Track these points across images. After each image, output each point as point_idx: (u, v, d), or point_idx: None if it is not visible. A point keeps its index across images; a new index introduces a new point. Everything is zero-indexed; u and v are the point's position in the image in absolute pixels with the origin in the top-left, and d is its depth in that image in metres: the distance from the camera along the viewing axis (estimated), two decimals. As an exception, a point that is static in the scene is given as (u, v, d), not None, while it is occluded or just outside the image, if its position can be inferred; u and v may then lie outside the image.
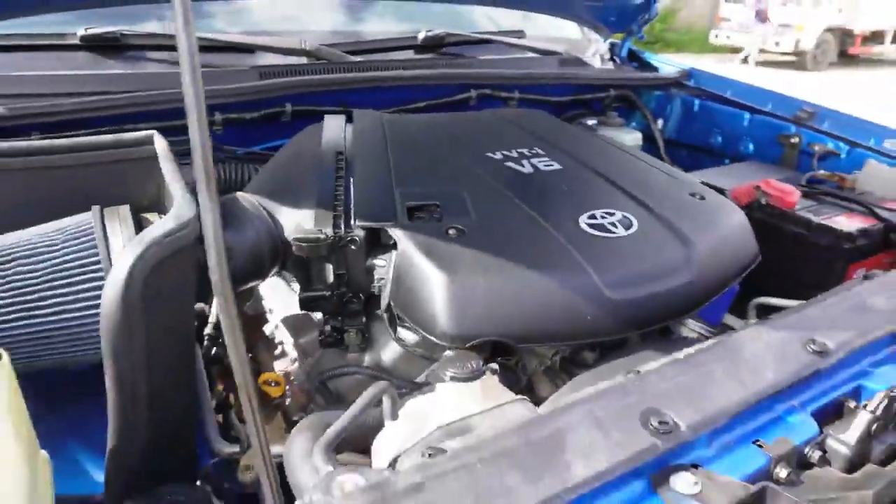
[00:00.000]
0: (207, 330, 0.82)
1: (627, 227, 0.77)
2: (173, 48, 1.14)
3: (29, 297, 0.61)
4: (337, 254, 0.72)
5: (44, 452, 0.46)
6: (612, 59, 1.69)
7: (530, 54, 1.51)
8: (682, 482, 0.43)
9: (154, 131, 0.73)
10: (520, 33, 1.58)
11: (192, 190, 0.59)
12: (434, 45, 1.41)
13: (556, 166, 0.90)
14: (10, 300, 0.61)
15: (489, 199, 0.80)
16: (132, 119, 0.97)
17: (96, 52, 1.09)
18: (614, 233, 0.76)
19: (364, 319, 0.77)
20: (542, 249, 0.71)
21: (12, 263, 0.62)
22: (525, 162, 0.90)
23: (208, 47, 1.11)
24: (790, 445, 0.48)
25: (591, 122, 1.44)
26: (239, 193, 0.78)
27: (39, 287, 0.62)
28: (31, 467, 0.42)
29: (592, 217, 0.78)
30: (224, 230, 0.73)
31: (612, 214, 0.79)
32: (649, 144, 1.51)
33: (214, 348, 0.80)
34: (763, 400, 0.50)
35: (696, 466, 0.46)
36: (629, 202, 0.83)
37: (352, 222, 0.73)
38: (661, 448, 0.44)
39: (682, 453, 0.46)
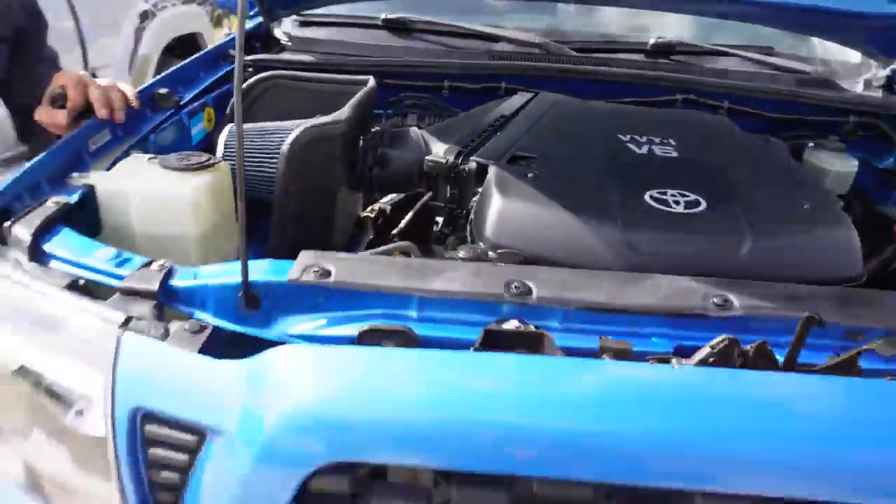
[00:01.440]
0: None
1: (690, 208, 0.86)
2: (440, 32, 1.54)
3: (268, 154, 1.03)
4: (453, 178, 0.99)
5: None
6: (887, 86, 1.55)
7: (769, 70, 1.51)
8: (509, 325, 0.59)
9: (371, 77, 1.11)
10: (768, 49, 1.58)
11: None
12: (663, 51, 1.53)
13: (673, 154, 1.01)
14: (261, 155, 1.04)
15: (582, 163, 0.97)
16: (402, 77, 1.37)
17: (390, 31, 1.54)
18: (672, 209, 0.86)
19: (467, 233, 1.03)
20: (591, 203, 0.86)
21: (272, 135, 1.05)
22: (646, 146, 1.03)
23: (458, 33, 1.47)
24: (628, 348, 0.58)
25: (810, 144, 1.39)
26: (412, 128, 1.11)
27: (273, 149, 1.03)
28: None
29: (662, 193, 0.89)
30: (392, 149, 1.08)
31: (684, 196, 0.89)
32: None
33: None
34: (632, 313, 0.61)
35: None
36: (715, 191, 0.90)
37: (470, 158, 0.99)
38: (505, 297, 0.60)
39: (529, 315, 0.61)
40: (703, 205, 0.87)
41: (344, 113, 0.92)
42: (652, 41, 1.53)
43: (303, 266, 0.67)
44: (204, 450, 0.56)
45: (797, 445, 0.51)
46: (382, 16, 1.53)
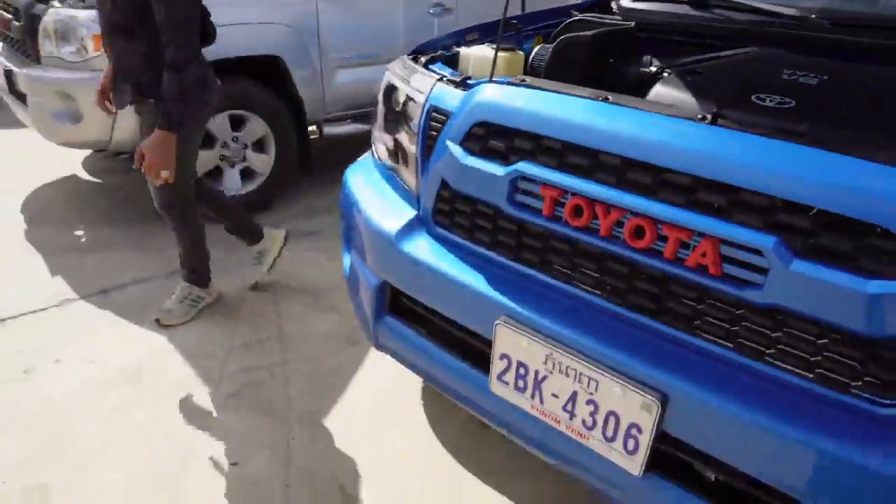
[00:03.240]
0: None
1: (778, 103, 1.26)
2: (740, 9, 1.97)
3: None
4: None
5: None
6: None
7: None
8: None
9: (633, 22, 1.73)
10: None
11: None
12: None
13: (809, 82, 1.36)
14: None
15: (729, 74, 1.42)
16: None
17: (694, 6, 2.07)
18: (759, 103, 1.27)
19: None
20: (713, 86, 1.33)
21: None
22: (797, 77, 1.39)
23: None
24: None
25: None
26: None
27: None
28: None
29: (771, 99, 1.30)
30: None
31: (786, 102, 1.28)
32: None
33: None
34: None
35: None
36: (816, 108, 1.25)
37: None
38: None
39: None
40: (792, 105, 1.26)
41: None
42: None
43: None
44: (446, 127, 1.33)
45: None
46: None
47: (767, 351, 0.91)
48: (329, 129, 3.78)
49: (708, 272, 0.93)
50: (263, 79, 3.40)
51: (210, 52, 3.10)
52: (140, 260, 3.05)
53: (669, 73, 1.47)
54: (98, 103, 2.36)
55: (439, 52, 1.66)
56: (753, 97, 1.30)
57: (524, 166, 1.14)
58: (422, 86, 1.42)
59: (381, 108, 1.62)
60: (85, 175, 4.11)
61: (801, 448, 0.86)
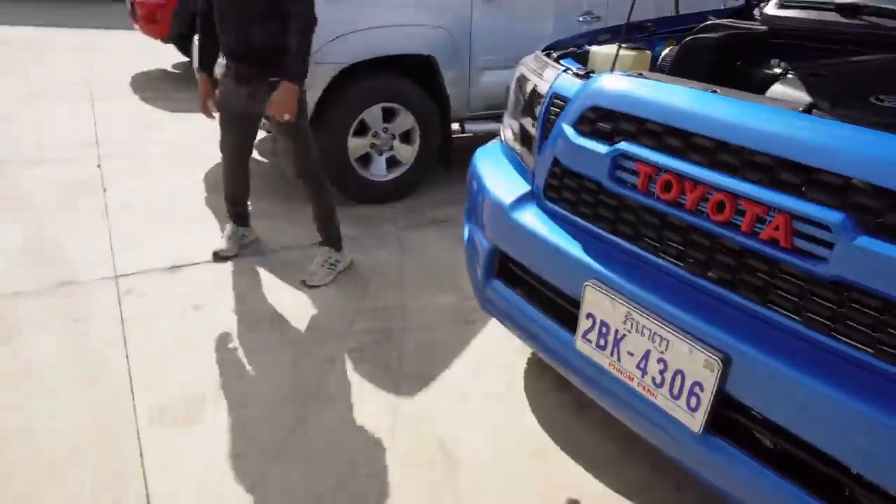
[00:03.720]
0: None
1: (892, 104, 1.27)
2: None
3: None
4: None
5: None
6: None
7: None
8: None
9: (765, 26, 1.76)
10: None
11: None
12: None
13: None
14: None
15: (854, 76, 1.43)
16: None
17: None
18: (878, 103, 1.29)
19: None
20: (814, 86, 1.36)
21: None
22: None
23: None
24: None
25: None
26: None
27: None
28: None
29: (891, 101, 1.30)
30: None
31: (901, 102, 1.28)
32: None
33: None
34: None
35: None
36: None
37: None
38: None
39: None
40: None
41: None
42: None
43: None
44: (563, 112, 1.48)
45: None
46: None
47: (830, 323, 0.97)
48: (471, 126, 4.04)
49: (780, 245, 1.01)
50: (416, 75, 3.72)
51: (373, 49, 3.50)
52: (294, 229, 3.47)
53: (792, 74, 1.51)
54: (202, 110, 2.87)
55: (570, 49, 1.81)
56: (873, 98, 1.32)
57: (625, 146, 1.27)
58: (548, 77, 1.58)
59: (511, 97, 1.81)
60: (255, 155, 4.70)
61: (853, 416, 0.91)
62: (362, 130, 3.67)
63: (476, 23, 3.78)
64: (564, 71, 1.56)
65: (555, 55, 1.75)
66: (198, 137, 4.96)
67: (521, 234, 1.50)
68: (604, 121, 1.35)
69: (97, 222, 3.43)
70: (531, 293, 1.54)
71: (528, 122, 1.66)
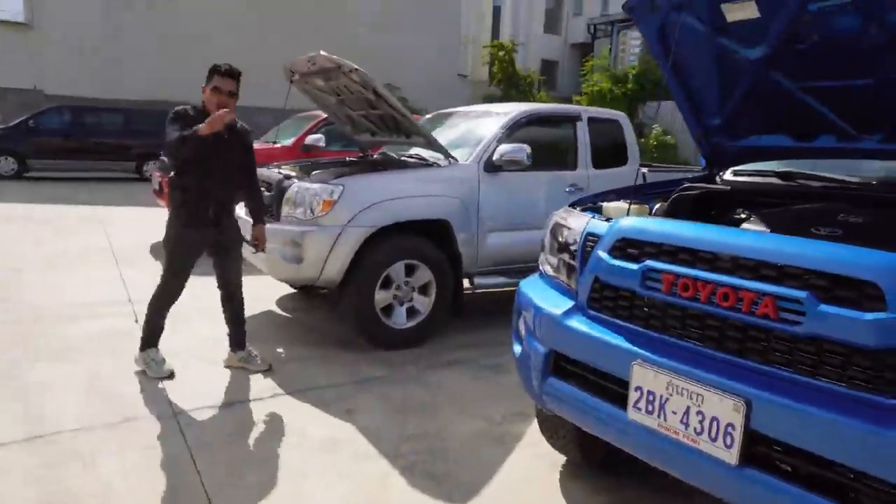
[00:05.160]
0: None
1: (829, 232, 1.84)
2: (817, 179, 2.62)
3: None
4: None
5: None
6: None
7: None
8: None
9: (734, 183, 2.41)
10: None
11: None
12: None
13: (858, 221, 1.93)
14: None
15: (799, 217, 2.02)
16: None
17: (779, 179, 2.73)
18: (815, 232, 1.86)
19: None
20: (772, 223, 1.95)
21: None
22: (850, 217, 1.97)
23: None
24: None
25: None
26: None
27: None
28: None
29: (825, 230, 1.88)
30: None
31: (835, 232, 1.86)
32: None
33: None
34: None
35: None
36: (857, 236, 1.83)
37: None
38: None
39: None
40: (838, 234, 1.84)
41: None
42: None
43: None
44: (597, 245, 2.02)
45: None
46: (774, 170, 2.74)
47: (813, 367, 1.43)
48: (479, 280, 4.62)
49: (770, 317, 1.50)
50: (433, 237, 4.35)
51: (400, 214, 4.14)
52: (327, 371, 3.84)
53: (754, 217, 2.11)
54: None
55: (588, 205, 2.43)
56: (812, 229, 1.91)
57: (651, 263, 1.80)
58: (580, 222, 2.16)
59: (547, 240, 2.37)
60: (278, 310, 5.15)
61: (842, 428, 1.34)
62: (386, 284, 4.20)
63: (483, 194, 4.52)
64: (592, 217, 2.14)
65: (579, 209, 2.34)
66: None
67: (574, 336, 1.97)
68: (630, 247, 1.89)
69: (149, 367, 3.75)
70: (584, 382, 1.96)
71: (566, 256, 2.20)
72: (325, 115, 7.86)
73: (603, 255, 1.95)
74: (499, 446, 2.98)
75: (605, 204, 2.41)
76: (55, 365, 3.72)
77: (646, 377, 1.72)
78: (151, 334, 3.67)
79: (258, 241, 3.77)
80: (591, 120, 5.28)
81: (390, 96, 4.42)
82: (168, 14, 18.70)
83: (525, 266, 4.88)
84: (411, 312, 4.36)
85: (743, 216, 2.24)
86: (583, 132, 5.19)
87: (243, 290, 3.79)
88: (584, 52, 29.51)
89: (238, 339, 3.81)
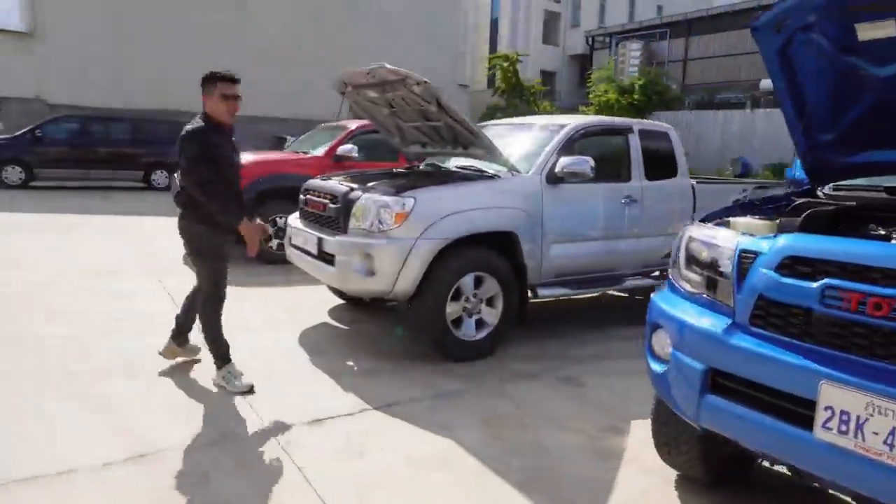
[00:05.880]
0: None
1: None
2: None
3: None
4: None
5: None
6: None
7: None
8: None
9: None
10: None
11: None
12: None
13: None
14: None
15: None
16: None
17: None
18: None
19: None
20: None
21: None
22: None
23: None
24: None
25: None
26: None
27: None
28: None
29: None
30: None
31: None
32: None
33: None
34: None
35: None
36: None
37: None
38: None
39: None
40: None
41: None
42: None
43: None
44: (757, 261, 2.02)
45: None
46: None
47: None
48: (543, 292, 4.61)
49: None
50: (499, 249, 4.34)
51: (472, 226, 4.13)
52: (404, 384, 3.80)
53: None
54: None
55: (718, 220, 2.43)
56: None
57: (832, 281, 1.80)
58: (730, 239, 2.16)
59: (682, 256, 2.37)
60: (334, 322, 5.11)
61: None
62: (456, 296, 4.18)
63: (546, 206, 4.52)
64: (742, 234, 2.15)
65: (714, 224, 2.35)
66: (277, 306, 5.37)
67: (738, 354, 1.96)
68: (800, 265, 1.90)
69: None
70: (751, 400, 1.96)
71: (712, 273, 2.20)
72: (354, 126, 7.87)
73: (767, 272, 1.95)
74: (603, 461, 2.96)
75: (733, 219, 2.42)
76: (125, 378, 3.65)
77: (838, 396, 1.71)
78: (220, 349, 3.63)
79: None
80: (641, 132, 5.31)
81: (455, 108, 4.42)
82: (171, 23, 18.60)
83: (584, 277, 4.90)
84: (479, 324, 4.34)
85: (882, 232, 2.25)
86: (635, 144, 5.21)
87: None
88: (582, 63, 29.83)
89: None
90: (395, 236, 3.99)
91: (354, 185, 4.43)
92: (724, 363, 2.03)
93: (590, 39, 27.11)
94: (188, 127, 3.42)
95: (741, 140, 18.69)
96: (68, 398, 3.35)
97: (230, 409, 3.33)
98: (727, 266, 2.14)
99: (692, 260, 2.33)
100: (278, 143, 16.44)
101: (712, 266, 2.21)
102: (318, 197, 4.60)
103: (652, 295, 2.48)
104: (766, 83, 20.18)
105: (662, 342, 2.32)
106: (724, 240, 2.19)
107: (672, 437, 2.62)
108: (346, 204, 4.23)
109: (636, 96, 17.13)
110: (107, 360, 3.94)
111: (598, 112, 16.67)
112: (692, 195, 5.51)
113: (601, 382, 4.00)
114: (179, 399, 3.44)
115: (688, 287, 2.32)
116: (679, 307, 2.28)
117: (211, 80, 3.43)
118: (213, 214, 3.43)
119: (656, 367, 2.33)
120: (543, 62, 29.75)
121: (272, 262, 6.97)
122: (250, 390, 3.55)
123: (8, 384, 3.50)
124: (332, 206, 4.37)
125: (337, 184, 4.57)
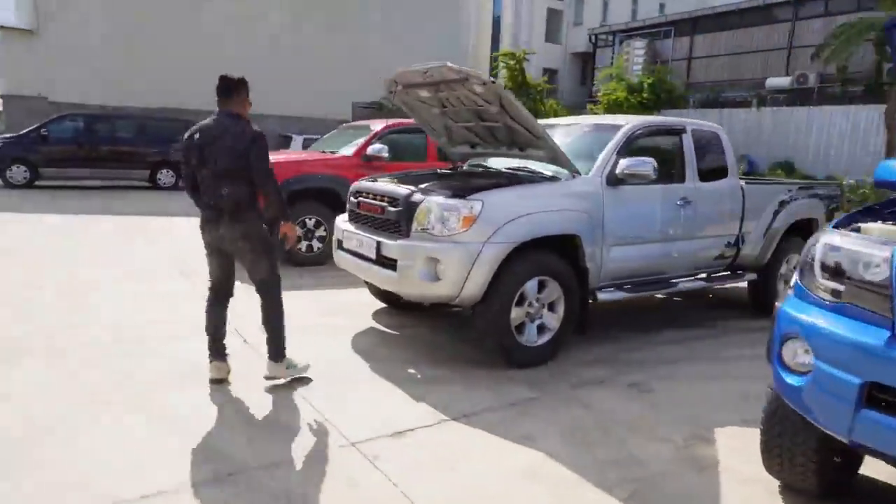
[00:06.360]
0: None
1: None
2: None
3: None
4: None
5: None
6: None
7: None
8: None
9: None
10: None
11: None
12: None
13: None
14: None
15: None
16: None
17: None
18: None
19: None
20: None
21: None
22: None
23: None
24: None
25: None
26: None
27: None
28: None
29: None
30: None
31: None
32: None
33: None
34: None
35: None
36: None
37: None
38: None
39: None
40: None
41: None
42: None
43: None
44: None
45: None
46: None
47: None
48: (602, 296, 4.51)
49: None
50: (559, 251, 4.23)
51: (538, 230, 4.02)
52: (474, 393, 3.69)
53: None
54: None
55: (850, 226, 2.34)
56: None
57: None
58: (882, 249, 2.06)
59: (818, 264, 2.27)
60: (381, 327, 4.98)
61: None
62: (519, 301, 4.07)
63: (606, 208, 4.42)
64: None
65: (847, 232, 2.26)
66: (314, 310, 5.24)
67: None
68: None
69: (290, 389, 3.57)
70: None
71: (861, 282, 2.10)
72: (380, 126, 7.74)
73: (940, 284, 1.86)
74: (699, 472, 2.87)
75: (864, 225, 2.33)
76: (186, 389, 3.52)
77: None
78: (283, 341, 3.66)
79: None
80: (694, 132, 5.22)
81: (518, 109, 4.30)
82: (176, 21, 18.38)
83: (641, 280, 4.81)
84: (540, 329, 4.24)
85: None
86: (688, 145, 5.12)
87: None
88: (584, 62, 29.79)
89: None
90: (463, 240, 3.87)
91: (413, 188, 4.30)
92: (887, 377, 1.93)
93: (593, 37, 27.03)
94: (254, 128, 3.38)
95: (747, 138, 18.67)
96: (136, 410, 3.22)
97: (303, 421, 3.21)
98: (878, 275, 2.04)
99: (831, 268, 2.23)
100: (284, 142, 16.29)
101: (860, 274, 2.11)
102: (374, 199, 4.47)
103: (778, 304, 2.38)
104: (773, 81, 20.20)
105: (797, 353, 2.22)
106: (876, 248, 2.10)
107: (787, 448, 2.53)
108: (409, 207, 4.11)
109: (645, 95, 17.07)
110: (166, 369, 3.81)
111: (607, 111, 16.59)
112: (741, 196, 5.43)
113: (668, 387, 3.92)
114: (246, 412, 3.31)
115: (828, 297, 2.23)
116: (820, 317, 2.18)
117: (244, 84, 3.47)
118: (280, 209, 3.44)
119: (790, 379, 2.23)
120: (546, 60, 29.65)
121: (300, 264, 6.86)
122: (306, 368, 3.72)
123: (72, 396, 3.36)
124: (391, 208, 4.24)
125: (395, 186, 4.44)
